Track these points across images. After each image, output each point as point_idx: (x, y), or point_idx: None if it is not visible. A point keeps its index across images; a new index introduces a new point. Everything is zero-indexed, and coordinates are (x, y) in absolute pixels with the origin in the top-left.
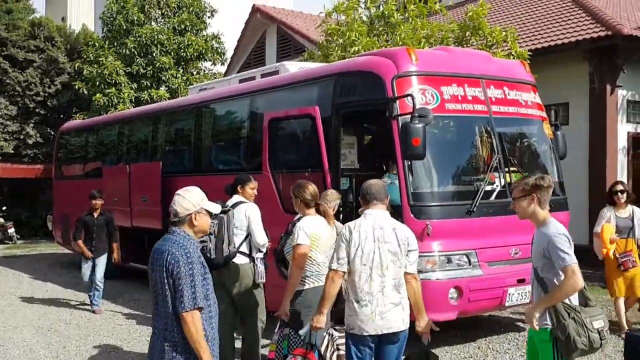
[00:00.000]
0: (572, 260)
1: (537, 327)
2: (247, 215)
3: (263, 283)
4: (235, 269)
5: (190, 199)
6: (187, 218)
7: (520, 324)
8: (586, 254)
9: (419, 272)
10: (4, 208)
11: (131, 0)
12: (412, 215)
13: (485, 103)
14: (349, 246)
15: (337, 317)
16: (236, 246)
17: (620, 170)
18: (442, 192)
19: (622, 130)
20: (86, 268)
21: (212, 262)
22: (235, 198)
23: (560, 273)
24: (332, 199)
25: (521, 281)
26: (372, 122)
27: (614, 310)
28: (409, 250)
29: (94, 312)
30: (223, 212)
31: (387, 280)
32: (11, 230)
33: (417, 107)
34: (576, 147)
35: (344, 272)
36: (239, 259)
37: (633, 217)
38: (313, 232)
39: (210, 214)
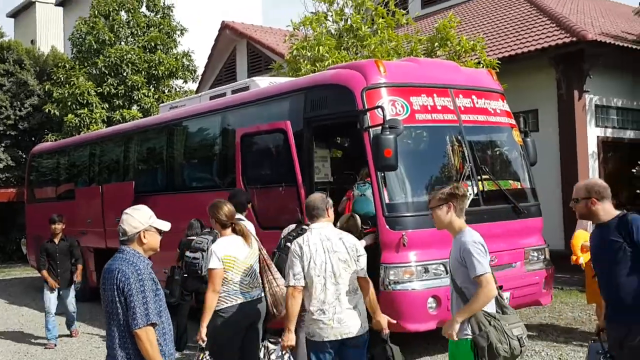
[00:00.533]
0: (484, 269)
1: (456, 338)
2: None
3: None
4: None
5: (138, 217)
6: (136, 236)
7: None
8: (561, 260)
9: (397, 283)
10: None
11: (101, 21)
12: (387, 227)
13: (454, 112)
14: (302, 260)
15: (270, 329)
16: None
17: (591, 174)
18: (417, 202)
19: (591, 134)
20: (50, 299)
21: (203, 279)
22: None
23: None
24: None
25: (499, 288)
26: (344, 134)
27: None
28: (358, 256)
29: (70, 334)
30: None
31: (342, 288)
32: None
33: (388, 118)
34: (547, 153)
35: (302, 287)
36: None
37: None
38: (226, 254)
39: (160, 232)
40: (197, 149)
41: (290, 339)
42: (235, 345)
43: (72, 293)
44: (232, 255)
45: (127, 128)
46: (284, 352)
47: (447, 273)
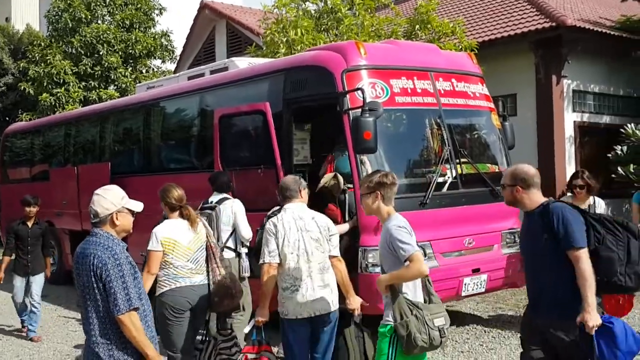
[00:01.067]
0: (413, 249)
1: (384, 292)
2: (233, 210)
3: (248, 277)
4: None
5: (110, 198)
6: (108, 218)
7: (477, 313)
8: None
9: (374, 265)
10: None
11: None
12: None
13: (434, 95)
14: (277, 238)
15: (221, 321)
16: (223, 242)
17: (567, 159)
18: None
19: (568, 119)
20: (19, 287)
21: None
22: (217, 194)
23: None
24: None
25: (476, 271)
26: (323, 116)
27: None
28: (330, 235)
29: (31, 339)
30: (210, 208)
31: (314, 266)
32: None
33: (368, 100)
34: (525, 137)
35: (277, 263)
36: (226, 254)
37: (594, 209)
38: (166, 237)
39: (132, 213)
40: (174, 130)
41: (263, 314)
42: (181, 329)
43: (40, 283)
44: (172, 238)
45: (103, 108)
46: (253, 329)
47: (425, 256)
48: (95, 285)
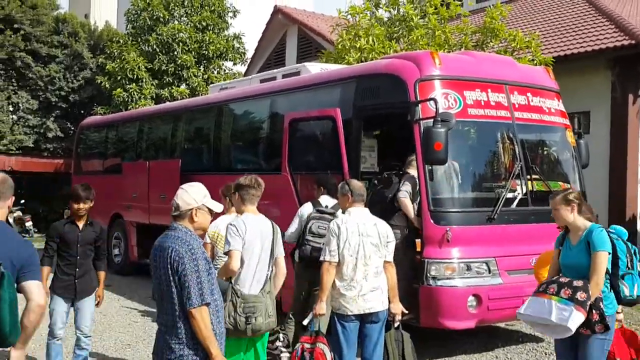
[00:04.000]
0: (229, 247)
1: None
2: None
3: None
4: None
5: (193, 194)
6: (188, 213)
7: (538, 334)
8: None
9: (438, 278)
10: (22, 201)
11: None
12: (432, 221)
13: (508, 109)
14: (339, 239)
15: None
16: None
17: None
18: (463, 198)
19: None
20: (60, 314)
21: None
22: (330, 199)
23: None
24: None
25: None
26: (394, 125)
27: None
28: (387, 242)
29: None
30: (330, 214)
31: (370, 269)
32: (29, 224)
33: (440, 111)
34: (597, 156)
35: (336, 262)
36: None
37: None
38: (213, 230)
39: (211, 212)
40: (244, 131)
41: (322, 307)
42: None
43: (91, 309)
44: (218, 231)
45: (176, 107)
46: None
47: (489, 272)
48: (171, 278)
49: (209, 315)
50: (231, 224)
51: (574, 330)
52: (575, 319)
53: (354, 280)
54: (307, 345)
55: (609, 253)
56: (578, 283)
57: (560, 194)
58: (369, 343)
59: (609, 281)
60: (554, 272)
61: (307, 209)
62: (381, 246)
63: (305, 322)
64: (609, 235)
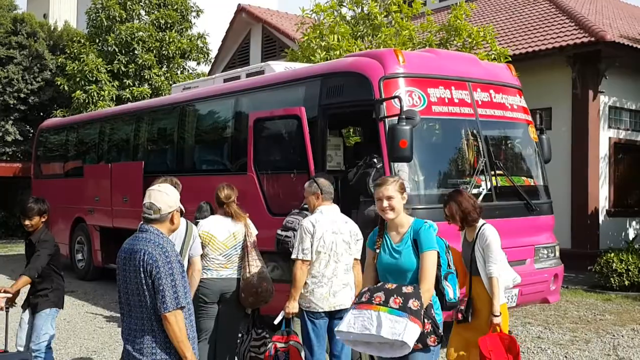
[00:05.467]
0: None
1: None
2: None
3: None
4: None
5: (173, 197)
6: (168, 216)
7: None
8: (569, 258)
9: None
10: None
11: None
12: None
13: (471, 106)
14: (312, 237)
15: (256, 318)
16: None
17: (602, 176)
18: (429, 195)
19: (603, 135)
20: (23, 327)
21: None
22: None
23: None
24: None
25: None
26: (358, 123)
27: None
28: (357, 240)
29: None
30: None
31: (341, 266)
32: None
33: (405, 109)
34: (558, 151)
35: (309, 260)
36: None
37: (475, 242)
38: (204, 230)
39: (182, 212)
40: (208, 131)
41: (293, 307)
42: (207, 315)
43: (46, 320)
44: (209, 232)
45: (139, 107)
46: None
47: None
48: (144, 282)
49: (183, 318)
50: None
51: (412, 345)
52: (411, 331)
53: (325, 277)
54: (280, 345)
55: (438, 252)
56: (408, 289)
57: (390, 178)
58: (338, 341)
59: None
60: (370, 279)
61: None
62: (352, 243)
63: (276, 322)
64: None
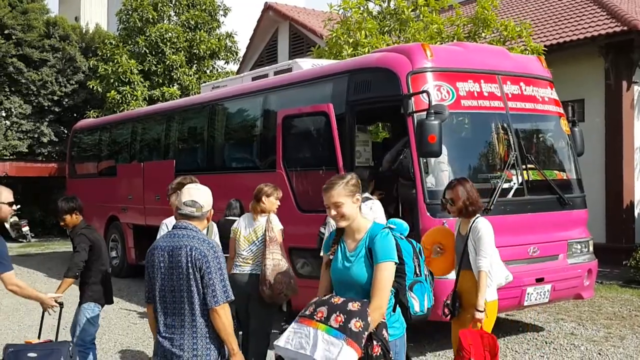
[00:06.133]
0: None
1: None
2: (373, 210)
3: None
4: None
5: (209, 195)
6: (207, 214)
7: (538, 323)
8: (603, 253)
9: None
10: (18, 207)
11: None
12: (428, 213)
13: (501, 99)
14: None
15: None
16: None
17: (637, 168)
18: None
19: (638, 126)
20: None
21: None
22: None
23: None
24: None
25: (540, 280)
26: (387, 119)
27: None
28: None
29: None
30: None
31: None
32: (25, 229)
33: (433, 103)
34: (592, 144)
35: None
36: None
37: (468, 235)
38: (235, 226)
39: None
40: (238, 129)
41: None
42: (238, 309)
43: (79, 313)
44: (237, 228)
45: (169, 107)
46: None
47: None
48: (192, 277)
49: (230, 311)
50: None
51: None
52: (346, 357)
53: None
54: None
55: (396, 263)
56: (354, 306)
57: (337, 181)
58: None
59: (393, 297)
60: (323, 289)
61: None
62: None
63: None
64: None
